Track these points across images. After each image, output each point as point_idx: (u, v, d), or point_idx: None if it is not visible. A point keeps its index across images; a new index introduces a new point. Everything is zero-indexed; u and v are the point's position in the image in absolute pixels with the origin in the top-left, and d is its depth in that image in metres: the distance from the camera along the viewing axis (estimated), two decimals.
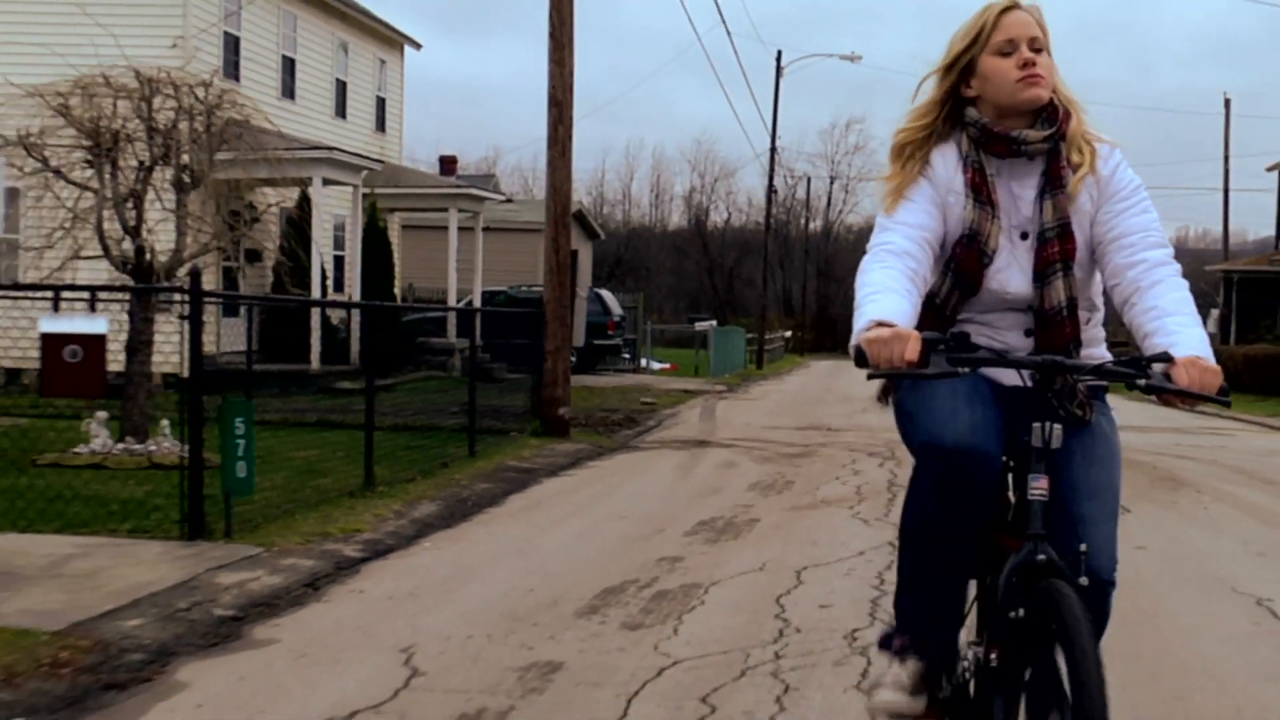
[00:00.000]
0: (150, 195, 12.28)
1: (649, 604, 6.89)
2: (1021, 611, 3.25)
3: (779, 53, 47.02)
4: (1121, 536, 3.57)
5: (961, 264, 3.60)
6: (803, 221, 78.36)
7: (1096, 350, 3.72)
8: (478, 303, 28.16)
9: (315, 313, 21.62)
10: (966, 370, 3.28)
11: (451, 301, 27.54)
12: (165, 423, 11.84)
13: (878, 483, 12.18)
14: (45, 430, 11.81)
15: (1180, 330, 3.30)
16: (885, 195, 3.65)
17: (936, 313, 3.63)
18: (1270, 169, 48.92)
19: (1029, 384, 3.42)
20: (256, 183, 15.91)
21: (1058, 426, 3.33)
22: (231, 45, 23.15)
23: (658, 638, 6.14)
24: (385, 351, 21.26)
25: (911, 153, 3.64)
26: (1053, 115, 3.58)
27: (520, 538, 9.07)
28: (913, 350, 3.11)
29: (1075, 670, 3.03)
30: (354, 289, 24.31)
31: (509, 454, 13.97)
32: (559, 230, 16.37)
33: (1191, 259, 54.17)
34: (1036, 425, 3.33)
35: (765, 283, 50.54)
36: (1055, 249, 3.57)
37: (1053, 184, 3.58)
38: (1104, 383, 3.52)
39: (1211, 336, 46.13)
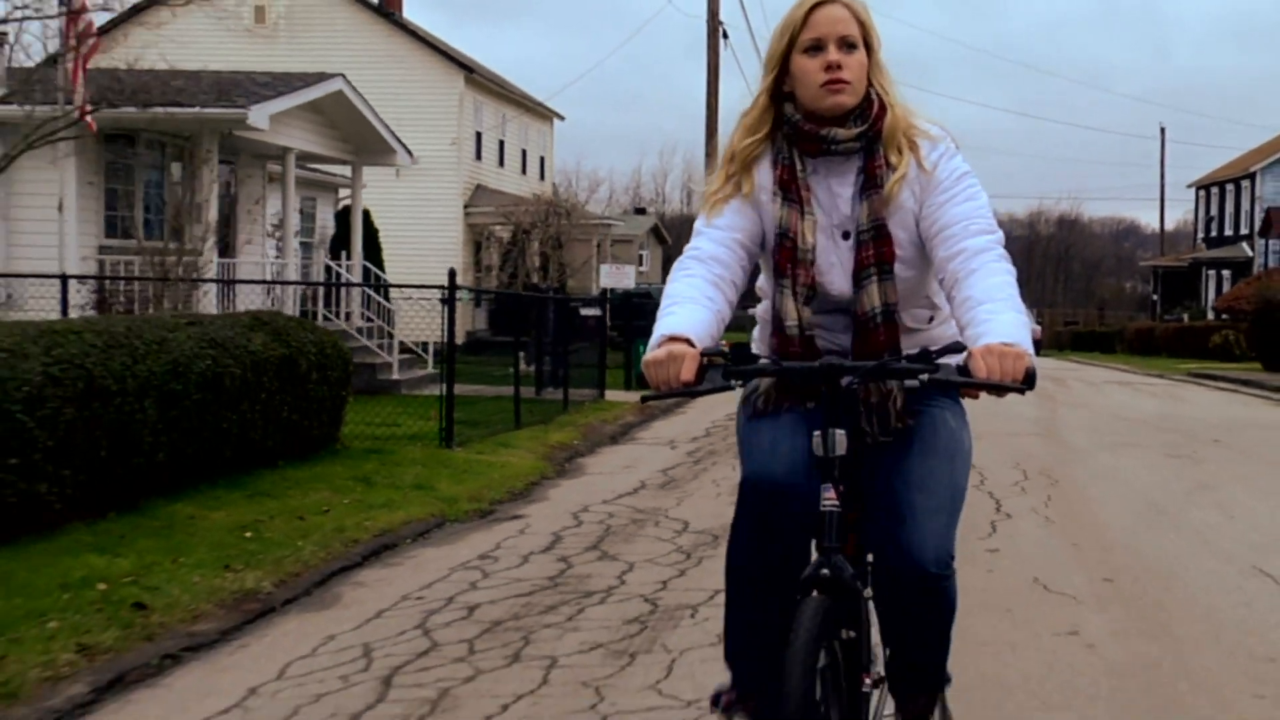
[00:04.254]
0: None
1: None
2: None
3: None
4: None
5: (782, 265, 3.44)
6: None
7: (949, 342, 3.32)
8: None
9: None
10: (740, 383, 3.24)
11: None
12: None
13: None
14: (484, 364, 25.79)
15: (990, 318, 3.09)
16: (704, 200, 3.53)
17: (777, 327, 3.49)
18: (1190, 186, 62.79)
19: (854, 384, 3.29)
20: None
21: (840, 433, 3.18)
22: (478, 138, 37.09)
23: None
24: (573, 329, 35.31)
25: (746, 165, 3.47)
26: (867, 111, 3.40)
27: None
28: (689, 370, 3.07)
29: (779, 682, 2.98)
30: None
31: None
32: None
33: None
34: (816, 434, 3.20)
35: None
36: (870, 252, 3.39)
37: (869, 183, 3.39)
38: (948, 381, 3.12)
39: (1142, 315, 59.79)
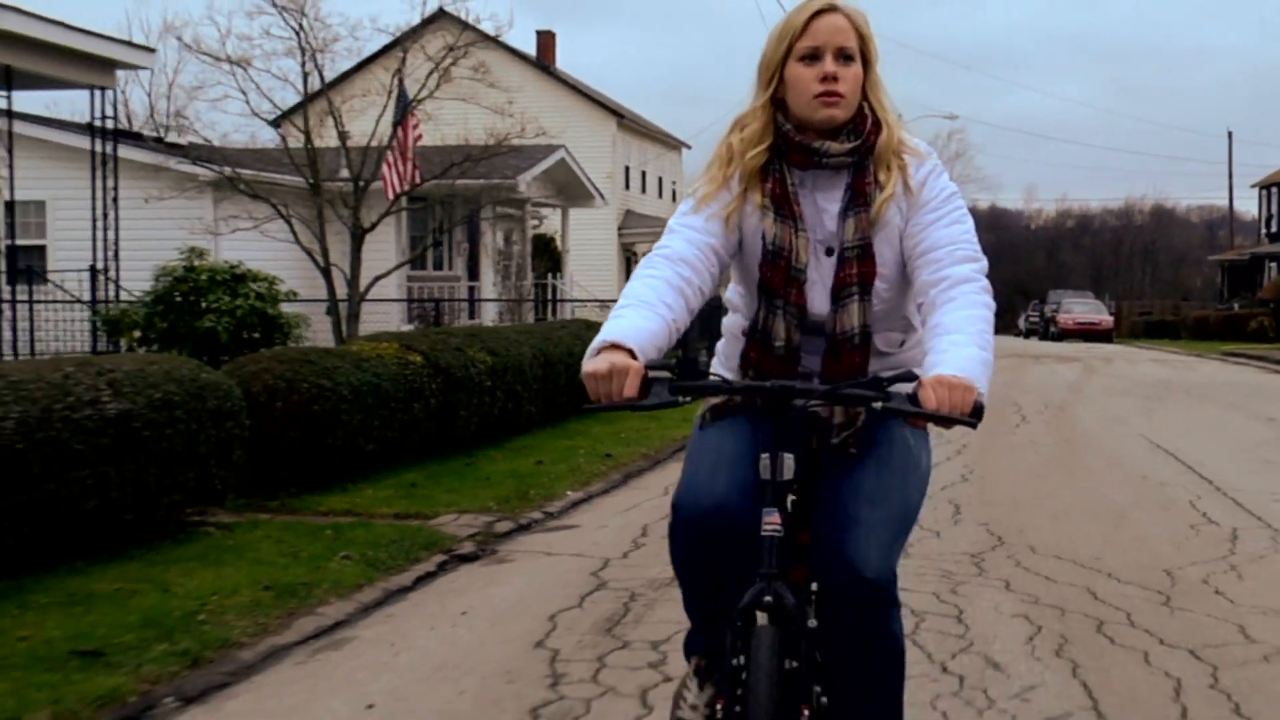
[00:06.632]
0: None
1: None
2: (742, 659, 3.07)
3: (899, 115, 67.37)
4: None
5: (772, 283, 3.37)
6: None
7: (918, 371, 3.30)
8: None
9: None
10: (687, 399, 3.12)
11: None
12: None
13: None
14: None
15: (949, 350, 3.08)
16: (696, 203, 3.43)
17: (764, 346, 3.43)
18: (1253, 186, 68.71)
19: (815, 408, 3.26)
20: None
21: (789, 457, 3.14)
22: (625, 171, 44.62)
23: None
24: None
25: (752, 175, 3.40)
26: (860, 126, 3.37)
27: None
28: (632, 386, 2.99)
29: (748, 707, 2.98)
30: None
31: None
32: None
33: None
34: (765, 456, 3.15)
35: None
36: (854, 270, 3.35)
37: (856, 200, 3.36)
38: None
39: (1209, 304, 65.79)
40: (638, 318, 3.15)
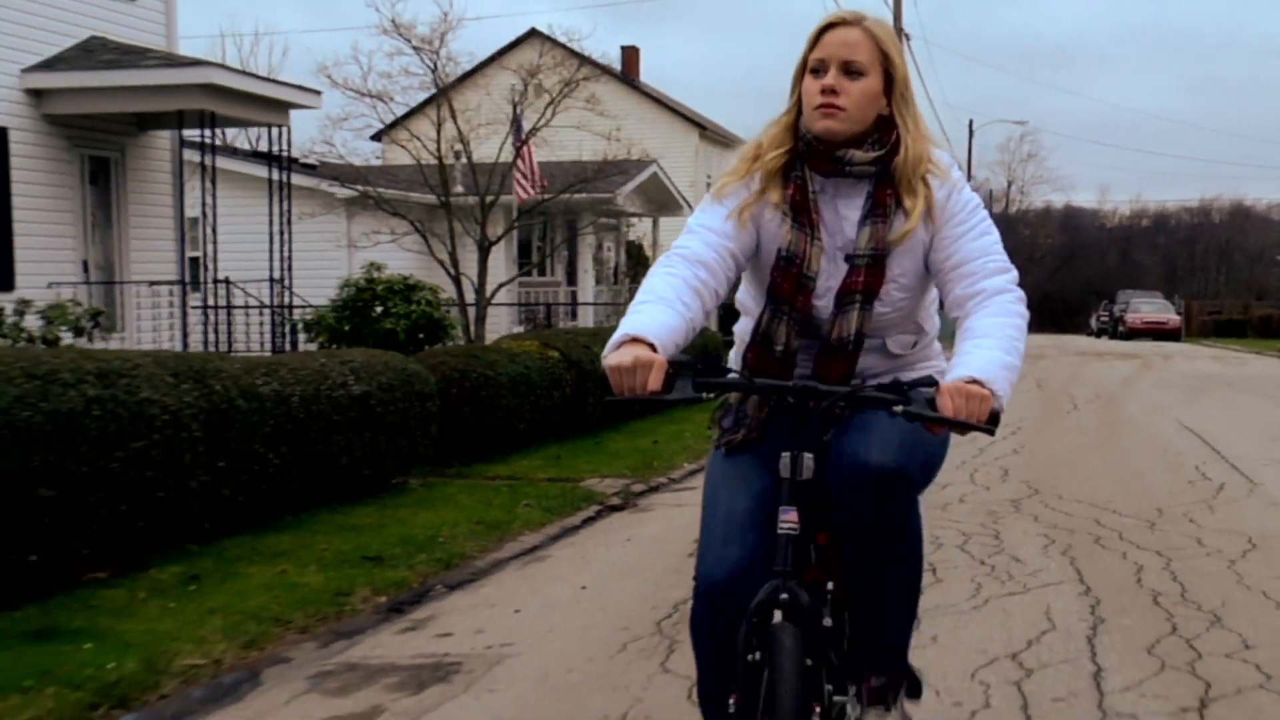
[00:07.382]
0: None
1: None
2: (758, 654, 3.11)
3: (970, 120, 69.45)
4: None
5: (781, 288, 3.41)
6: None
7: (929, 367, 3.58)
8: None
9: None
10: (710, 395, 3.16)
11: None
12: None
13: None
14: None
15: (972, 353, 3.16)
16: (715, 192, 3.51)
17: (764, 349, 3.49)
18: None
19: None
20: None
21: (809, 456, 3.19)
22: (707, 180, 46.91)
23: None
24: None
25: (770, 175, 3.44)
26: (885, 138, 3.41)
27: None
28: (655, 380, 3.00)
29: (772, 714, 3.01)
30: None
31: None
32: None
33: None
34: (785, 455, 3.19)
35: None
36: (859, 278, 3.39)
37: (875, 211, 3.39)
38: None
39: None
40: (658, 313, 3.16)
